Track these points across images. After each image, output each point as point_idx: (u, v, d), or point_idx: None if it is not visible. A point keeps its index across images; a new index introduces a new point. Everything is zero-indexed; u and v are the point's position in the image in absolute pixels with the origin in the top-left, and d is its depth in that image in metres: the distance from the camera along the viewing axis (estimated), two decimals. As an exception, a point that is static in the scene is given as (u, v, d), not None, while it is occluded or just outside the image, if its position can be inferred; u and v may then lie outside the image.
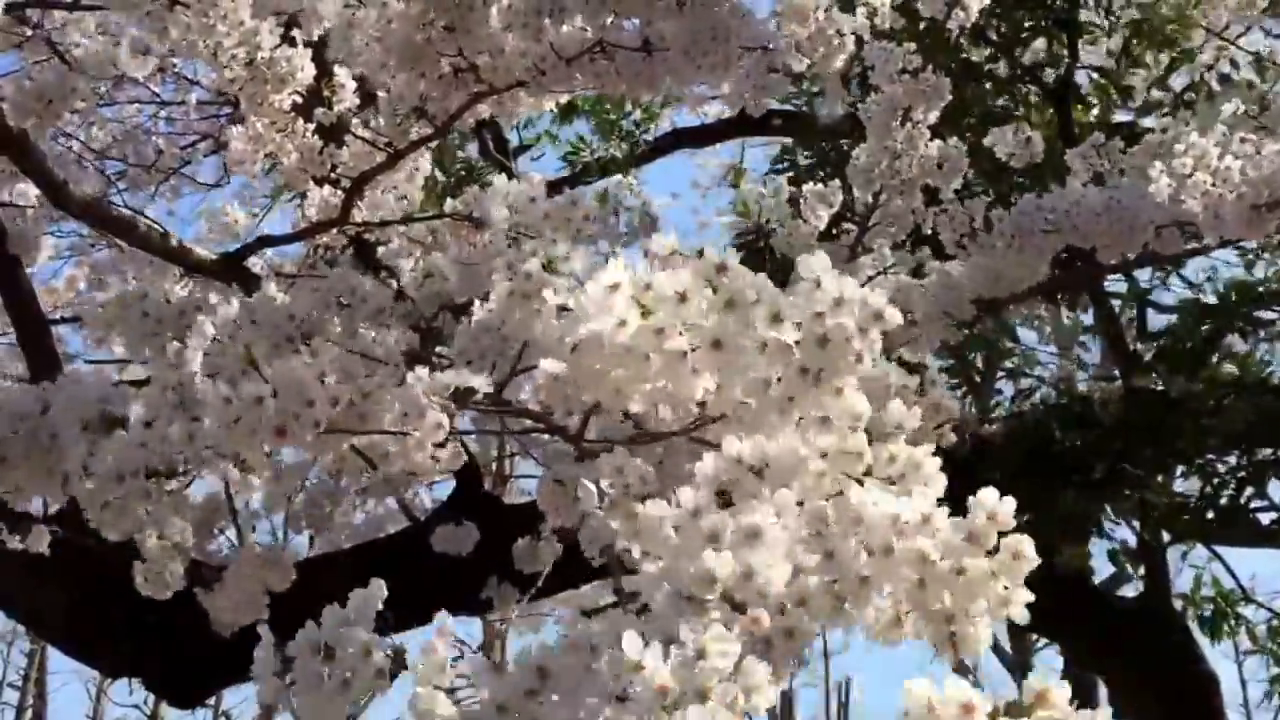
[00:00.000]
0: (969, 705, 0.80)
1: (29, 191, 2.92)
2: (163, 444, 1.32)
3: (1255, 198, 1.88)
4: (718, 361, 0.99)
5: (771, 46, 2.01)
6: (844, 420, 1.01)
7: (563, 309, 1.06)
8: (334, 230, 2.63)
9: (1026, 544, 0.96)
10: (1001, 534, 0.97)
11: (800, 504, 0.97)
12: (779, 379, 0.99)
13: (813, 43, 2.02)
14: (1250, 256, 3.71)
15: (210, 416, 1.21)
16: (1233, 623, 3.53)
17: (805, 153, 4.18)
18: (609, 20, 1.94)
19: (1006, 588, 0.97)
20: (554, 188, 2.52)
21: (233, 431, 1.20)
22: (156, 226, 2.63)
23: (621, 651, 0.79)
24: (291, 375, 1.21)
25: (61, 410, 1.45)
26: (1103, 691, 3.68)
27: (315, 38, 2.21)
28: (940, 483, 1.03)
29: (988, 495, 0.96)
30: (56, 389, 1.51)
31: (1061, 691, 0.81)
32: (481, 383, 1.38)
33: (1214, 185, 1.98)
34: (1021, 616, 0.96)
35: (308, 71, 2.13)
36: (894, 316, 1.00)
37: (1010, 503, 0.96)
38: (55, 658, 13.37)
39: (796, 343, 0.98)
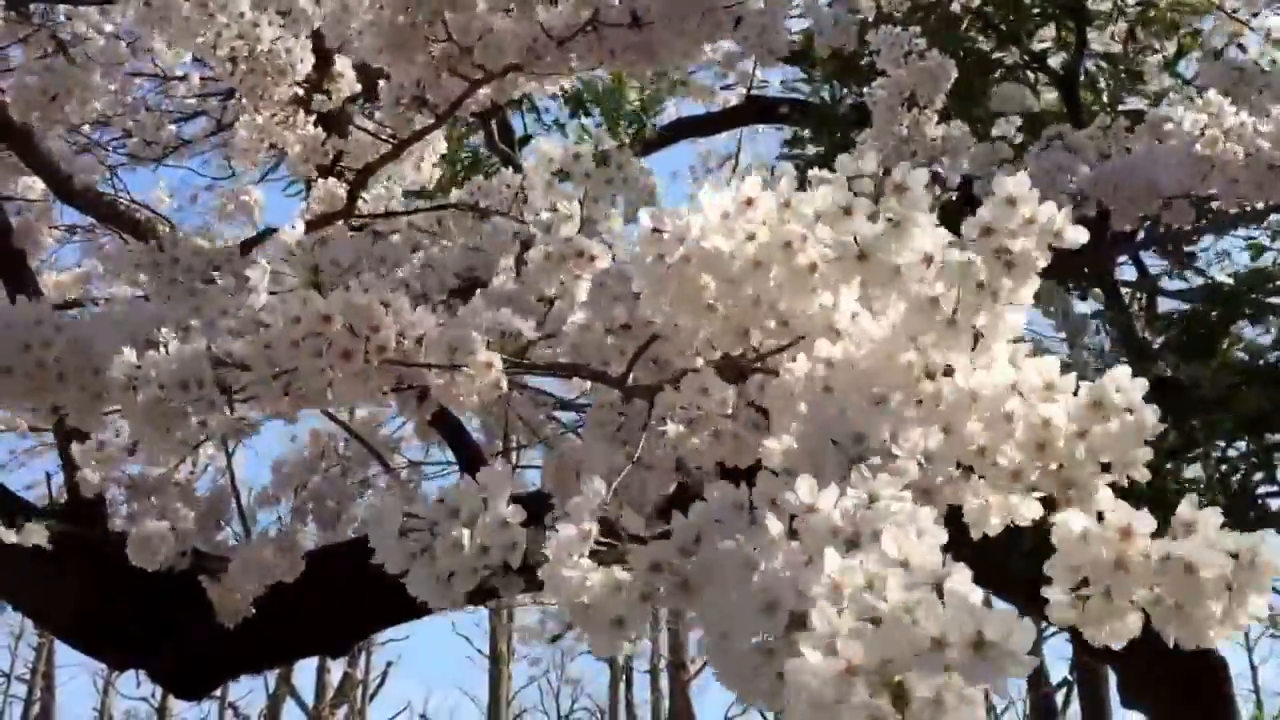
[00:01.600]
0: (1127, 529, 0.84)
1: (35, 185, 2.92)
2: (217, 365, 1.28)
3: (1271, 156, 1.86)
4: (863, 273, 0.98)
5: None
6: (1002, 337, 1.00)
7: (655, 230, 1.03)
8: (340, 222, 2.63)
9: (1148, 412, 0.97)
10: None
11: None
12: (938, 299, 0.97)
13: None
14: (1258, 245, 3.69)
15: (276, 335, 1.20)
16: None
17: (813, 141, 4.16)
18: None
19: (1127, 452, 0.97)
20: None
21: (296, 352, 1.19)
22: (160, 218, 2.64)
23: (788, 497, 0.79)
24: (355, 300, 1.21)
25: (100, 332, 1.44)
26: (1112, 679, 3.66)
27: (313, 28, 2.20)
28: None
29: (1121, 371, 0.98)
30: (92, 320, 1.50)
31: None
32: (528, 329, 1.39)
33: (1228, 143, 1.95)
34: (1142, 475, 0.97)
35: (307, 62, 2.13)
36: (1080, 235, 1.00)
37: (1142, 383, 0.97)
38: (63, 651, 13.44)
39: (969, 263, 0.97)
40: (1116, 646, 0.90)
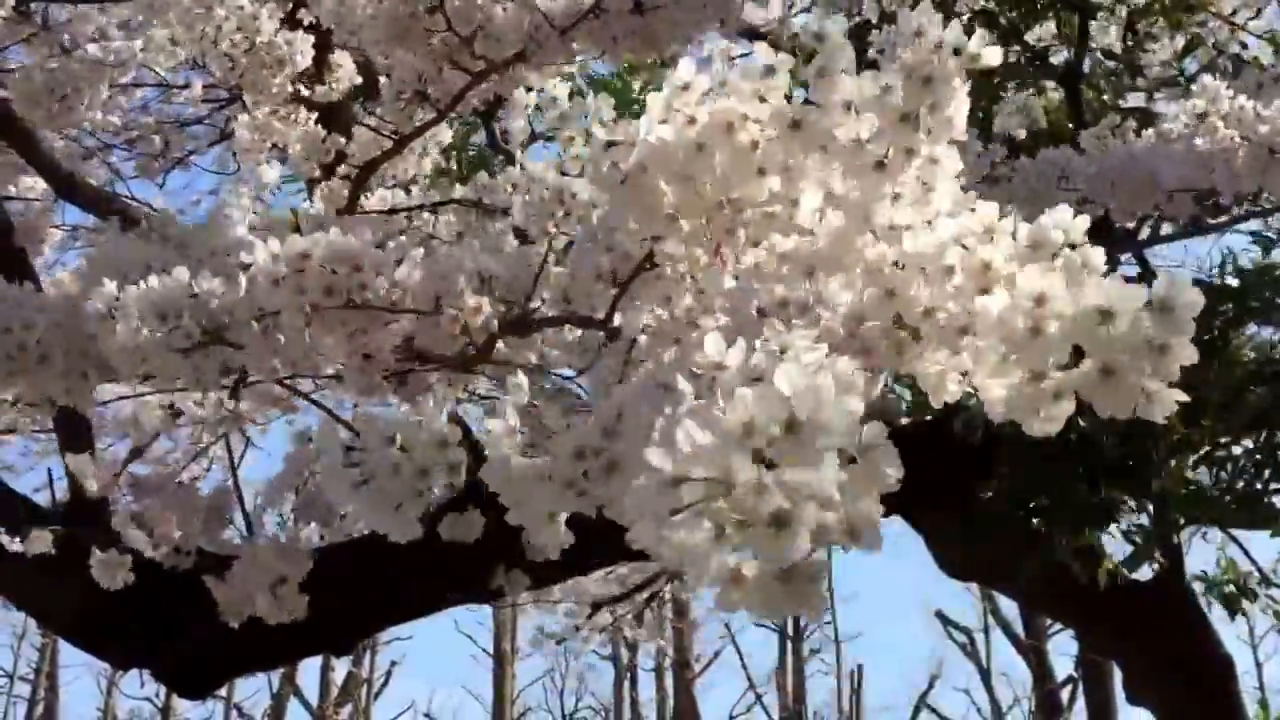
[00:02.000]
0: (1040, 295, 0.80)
1: (36, 184, 2.92)
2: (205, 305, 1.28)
3: (1271, 140, 1.84)
4: (798, 142, 0.95)
5: None
6: (944, 182, 0.98)
7: (610, 143, 1.02)
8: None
9: (1096, 253, 0.93)
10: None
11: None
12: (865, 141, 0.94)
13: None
14: (1266, 241, 3.67)
15: (258, 274, 1.19)
16: (1251, 600, 3.49)
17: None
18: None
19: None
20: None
21: (277, 291, 1.18)
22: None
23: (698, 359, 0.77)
24: (338, 240, 1.21)
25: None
26: (1118, 675, 3.65)
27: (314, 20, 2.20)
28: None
29: (1061, 211, 0.94)
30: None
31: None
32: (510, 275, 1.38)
33: (1227, 128, 1.94)
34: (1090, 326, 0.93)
35: (307, 55, 2.12)
36: (994, 56, 0.98)
37: (1085, 220, 0.94)
38: (67, 651, 13.46)
39: (886, 88, 0.94)
40: (1050, 431, 0.87)
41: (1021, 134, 2.68)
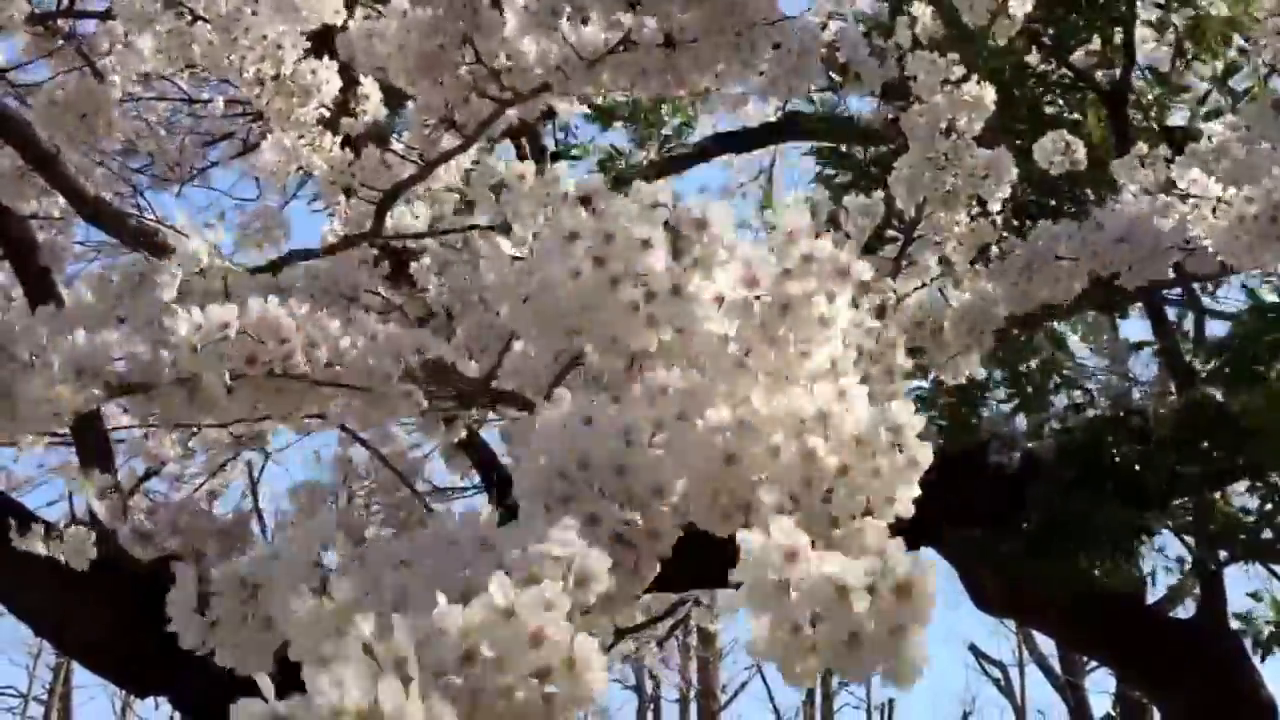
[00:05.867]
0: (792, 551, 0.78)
1: (58, 201, 2.91)
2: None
3: (1264, 222, 1.76)
4: (677, 311, 0.96)
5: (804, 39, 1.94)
6: (807, 380, 0.97)
7: (515, 258, 1.06)
8: (365, 244, 2.59)
9: (924, 450, 0.93)
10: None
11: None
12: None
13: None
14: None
15: (178, 340, 1.21)
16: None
17: (844, 167, 4.09)
18: (628, 16, 1.89)
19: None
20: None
21: (197, 356, 1.20)
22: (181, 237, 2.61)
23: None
24: (267, 310, 1.23)
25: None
26: (1157, 715, 3.57)
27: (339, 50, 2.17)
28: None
29: (900, 406, 0.93)
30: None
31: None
32: (450, 352, 1.39)
33: (1215, 215, 1.87)
34: (906, 511, 0.93)
35: (333, 84, 2.09)
36: (862, 272, 0.97)
37: (920, 420, 0.93)
38: (80, 672, 13.52)
39: (758, 298, 0.95)
40: (807, 687, 0.82)
41: (1059, 172, 2.61)
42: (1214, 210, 1.81)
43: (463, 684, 0.64)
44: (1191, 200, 1.86)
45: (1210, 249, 1.88)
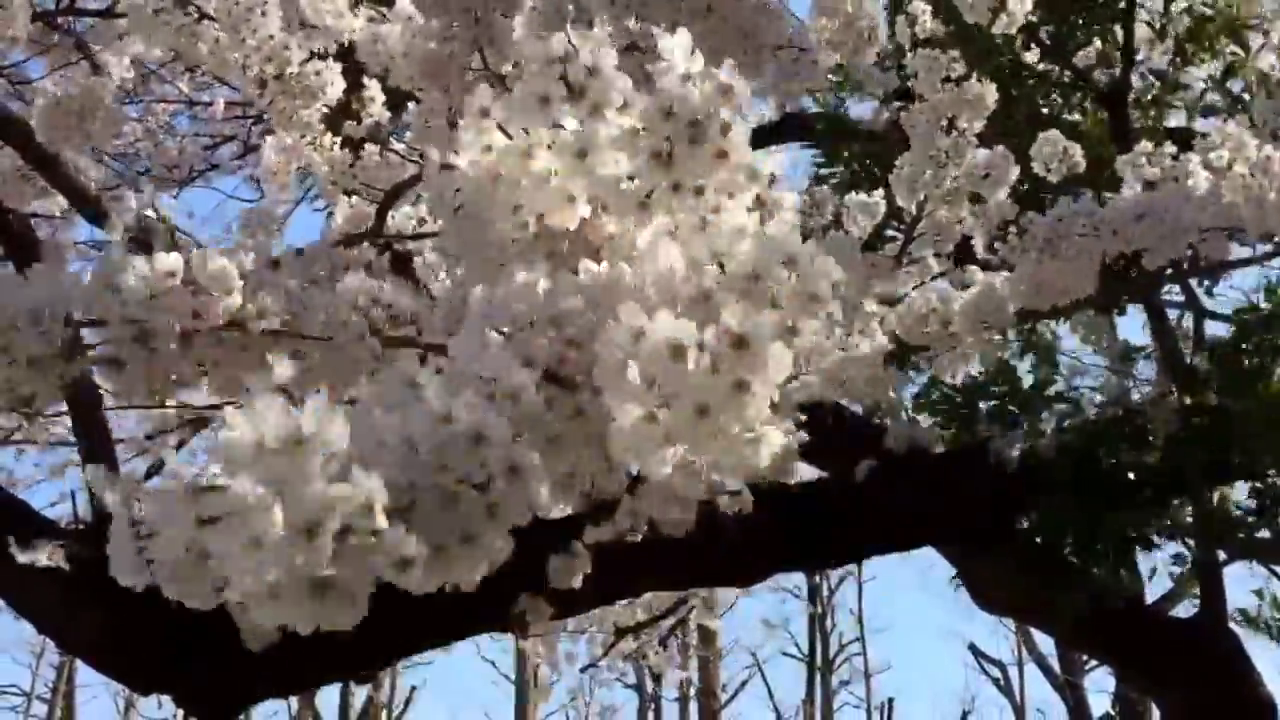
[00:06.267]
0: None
1: (58, 199, 2.91)
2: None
3: None
4: (583, 172, 0.97)
5: (803, 49, 1.95)
6: (723, 191, 0.97)
7: (445, 166, 1.06)
8: (365, 243, 2.60)
9: (821, 282, 0.88)
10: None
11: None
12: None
13: (843, 35, 1.97)
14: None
15: (127, 287, 1.21)
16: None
17: (842, 165, 4.10)
18: (634, 24, 1.90)
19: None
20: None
21: (149, 304, 1.20)
22: (187, 238, 2.62)
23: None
24: (217, 263, 1.23)
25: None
26: (1156, 714, 3.57)
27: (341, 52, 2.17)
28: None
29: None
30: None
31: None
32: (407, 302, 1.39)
33: (1253, 177, 1.88)
34: (807, 345, 0.90)
35: (337, 86, 2.10)
36: (743, 90, 0.97)
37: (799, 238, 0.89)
38: (84, 670, 13.49)
39: (644, 128, 0.95)
40: (659, 474, 0.83)
41: (1054, 179, 2.62)
42: (1249, 170, 1.82)
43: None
44: (1223, 154, 1.85)
45: (1240, 216, 1.88)
